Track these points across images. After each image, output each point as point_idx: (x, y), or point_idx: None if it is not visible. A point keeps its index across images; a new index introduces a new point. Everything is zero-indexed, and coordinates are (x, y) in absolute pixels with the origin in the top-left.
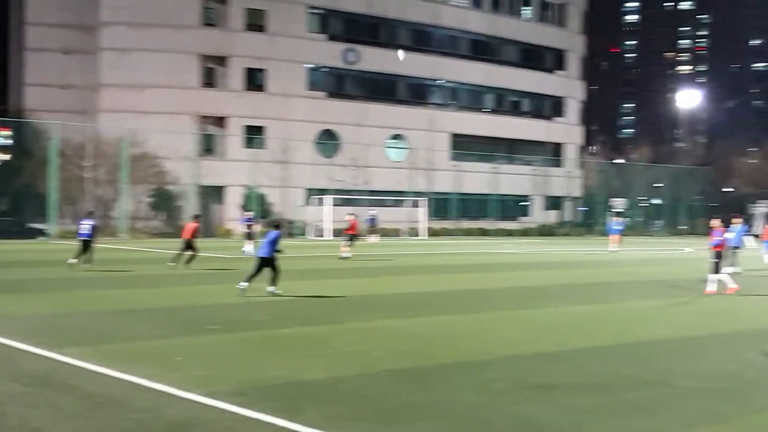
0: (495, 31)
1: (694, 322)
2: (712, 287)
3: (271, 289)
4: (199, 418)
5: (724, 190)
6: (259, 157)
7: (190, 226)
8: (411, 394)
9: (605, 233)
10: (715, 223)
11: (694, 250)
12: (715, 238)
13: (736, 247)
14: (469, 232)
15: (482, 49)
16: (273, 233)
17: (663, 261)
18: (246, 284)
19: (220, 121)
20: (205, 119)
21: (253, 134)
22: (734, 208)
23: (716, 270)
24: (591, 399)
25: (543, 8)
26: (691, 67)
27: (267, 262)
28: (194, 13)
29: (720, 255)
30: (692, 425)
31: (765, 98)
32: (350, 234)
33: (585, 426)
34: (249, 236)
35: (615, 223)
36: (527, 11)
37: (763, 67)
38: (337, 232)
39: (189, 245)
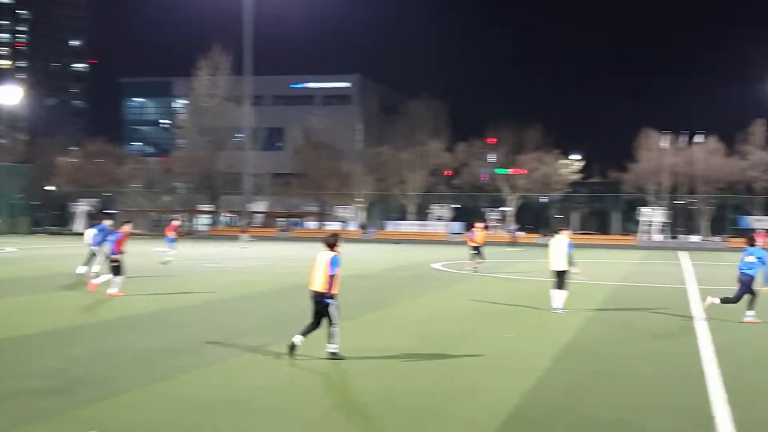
0: None
1: (21, 321)
2: (98, 281)
3: None
4: None
5: (46, 188)
6: None
7: None
8: None
9: None
10: (127, 227)
11: (18, 249)
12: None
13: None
14: None
15: None
16: None
17: None
18: None
19: None
20: None
21: None
22: (56, 206)
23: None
24: None
25: None
26: (11, 62)
27: None
28: None
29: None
30: (17, 425)
31: (84, 98)
32: None
33: None
34: None
35: None
36: None
37: (82, 67)
38: None
39: None
